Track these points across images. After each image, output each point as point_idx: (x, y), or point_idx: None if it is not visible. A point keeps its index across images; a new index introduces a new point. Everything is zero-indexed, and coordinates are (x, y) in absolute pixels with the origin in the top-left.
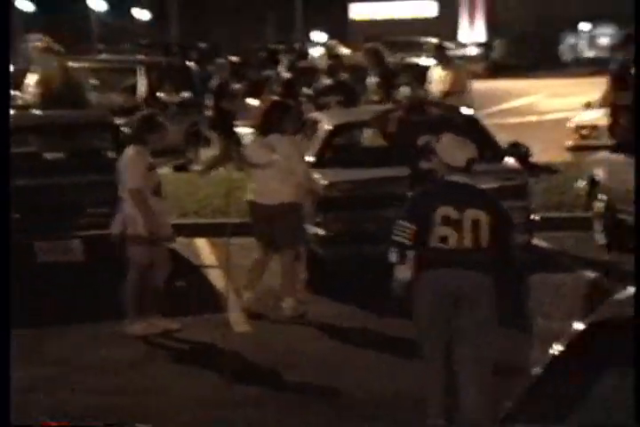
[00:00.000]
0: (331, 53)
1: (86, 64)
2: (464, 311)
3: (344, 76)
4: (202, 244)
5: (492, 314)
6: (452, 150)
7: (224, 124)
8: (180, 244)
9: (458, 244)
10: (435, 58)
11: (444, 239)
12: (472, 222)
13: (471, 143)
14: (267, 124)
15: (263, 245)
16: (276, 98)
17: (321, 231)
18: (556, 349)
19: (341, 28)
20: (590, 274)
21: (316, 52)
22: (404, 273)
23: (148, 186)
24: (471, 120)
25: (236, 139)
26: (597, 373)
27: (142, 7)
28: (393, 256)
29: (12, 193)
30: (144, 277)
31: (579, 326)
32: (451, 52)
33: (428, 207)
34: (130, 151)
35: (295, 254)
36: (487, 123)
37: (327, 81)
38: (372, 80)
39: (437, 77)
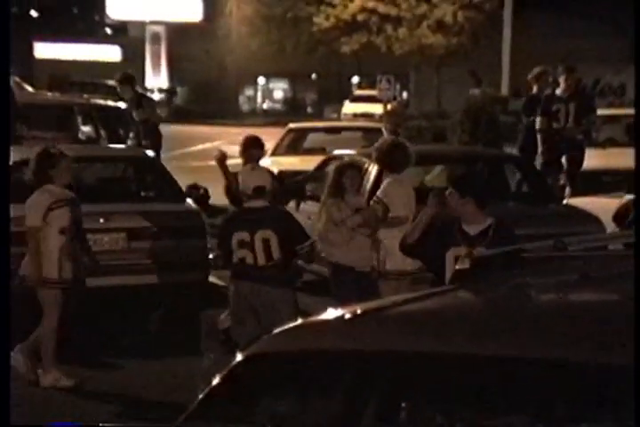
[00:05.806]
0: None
1: None
2: (264, 324)
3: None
4: None
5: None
6: (245, 179)
7: None
8: None
9: (253, 262)
10: None
11: (242, 259)
12: (263, 242)
13: (264, 172)
14: None
15: None
16: None
17: None
18: (215, 380)
19: (27, 65)
20: None
21: None
22: None
23: (52, 225)
24: (150, 161)
25: None
26: (250, 403)
27: None
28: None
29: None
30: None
31: (238, 357)
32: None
33: (227, 234)
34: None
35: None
36: (171, 165)
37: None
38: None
39: None
